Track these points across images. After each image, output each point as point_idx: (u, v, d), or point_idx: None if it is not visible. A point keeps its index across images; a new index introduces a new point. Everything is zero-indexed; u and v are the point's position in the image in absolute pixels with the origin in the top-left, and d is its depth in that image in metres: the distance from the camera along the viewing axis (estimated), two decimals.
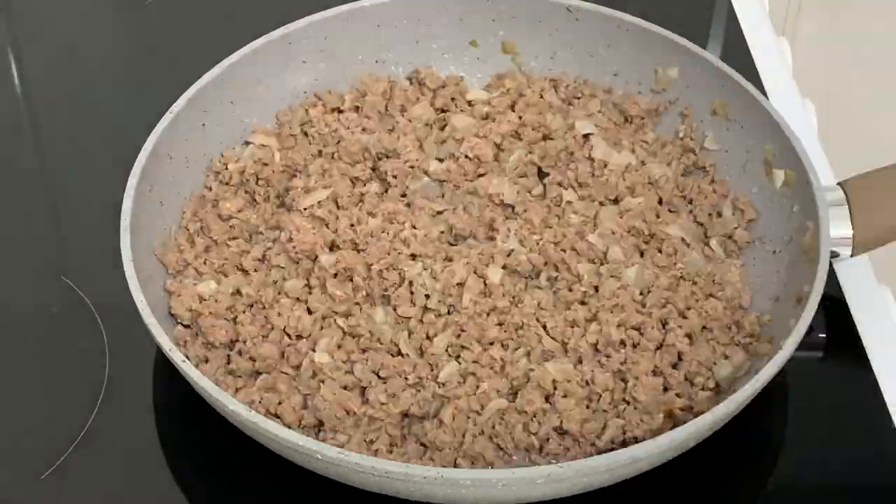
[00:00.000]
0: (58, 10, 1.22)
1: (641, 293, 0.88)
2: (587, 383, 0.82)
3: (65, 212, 1.03)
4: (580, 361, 0.84)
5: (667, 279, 0.88)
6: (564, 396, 0.81)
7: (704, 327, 0.86)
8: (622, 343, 0.84)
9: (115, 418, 0.85)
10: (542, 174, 0.97)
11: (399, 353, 0.85)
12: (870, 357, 0.89)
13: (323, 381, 0.82)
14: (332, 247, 0.90)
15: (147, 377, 0.88)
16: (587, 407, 0.81)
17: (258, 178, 0.95)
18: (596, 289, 0.88)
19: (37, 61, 1.17)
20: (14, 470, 0.83)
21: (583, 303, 0.88)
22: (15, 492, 0.82)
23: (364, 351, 0.84)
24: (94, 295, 0.93)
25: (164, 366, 0.82)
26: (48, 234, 1.01)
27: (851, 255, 0.88)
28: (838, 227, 0.87)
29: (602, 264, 0.89)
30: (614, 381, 0.82)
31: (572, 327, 0.86)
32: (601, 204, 0.94)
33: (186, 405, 0.83)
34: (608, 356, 0.84)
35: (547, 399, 0.81)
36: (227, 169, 0.95)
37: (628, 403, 0.81)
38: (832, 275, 0.92)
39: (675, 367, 0.84)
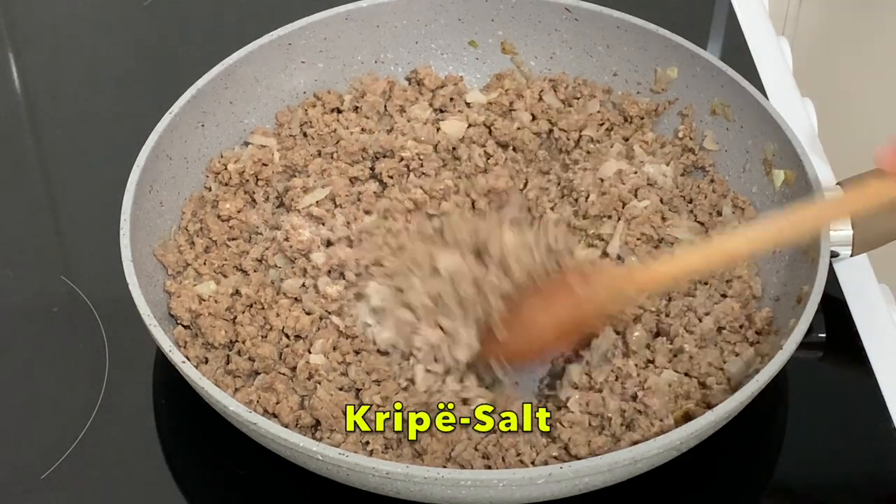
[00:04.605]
0: (58, 10, 1.22)
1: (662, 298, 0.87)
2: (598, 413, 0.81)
3: (65, 212, 1.03)
4: (590, 376, 0.83)
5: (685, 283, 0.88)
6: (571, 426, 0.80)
7: (720, 328, 0.85)
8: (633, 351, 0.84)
9: (115, 418, 0.85)
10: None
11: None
12: (869, 357, 0.89)
13: (319, 383, 0.82)
14: (329, 245, 0.90)
15: (147, 377, 0.88)
16: (599, 434, 0.80)
17: (258, 179, 0.95)
18: None
19: (37, 61, 1.17)
20: (14, 470, 0.83)
21: None
22: (15, 492, 0.82)
23: (357, 353, 0.84)
24: (94, 295, 0.93)
25: (164, 366, 0.82)
26: (48, 234, 1.01)
27: (851, 255, 0.88)
28: (838, 228, 0.87)
29: None
30: (626, 403, 0.81)
31: None
32: (609, 217, 0.93)
33: (186, 405, 0.83)
34: (624, 386, 0.82)
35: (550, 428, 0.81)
36: (226, 169, 0.95)
37: (640, 413, 0.80)
38: (832, 275, 0.92)
39: (686, 373, 0.83)
